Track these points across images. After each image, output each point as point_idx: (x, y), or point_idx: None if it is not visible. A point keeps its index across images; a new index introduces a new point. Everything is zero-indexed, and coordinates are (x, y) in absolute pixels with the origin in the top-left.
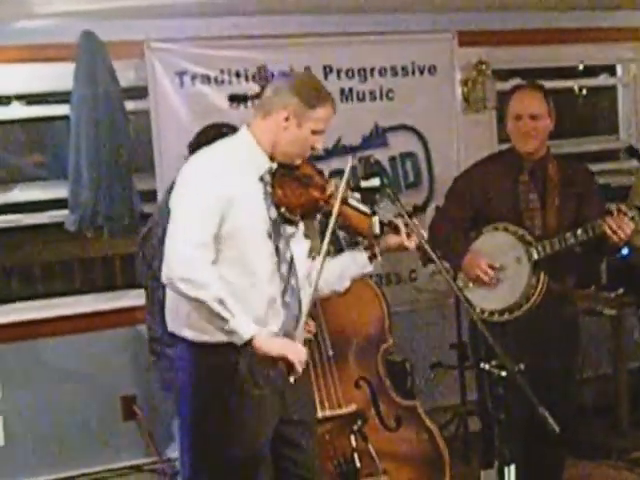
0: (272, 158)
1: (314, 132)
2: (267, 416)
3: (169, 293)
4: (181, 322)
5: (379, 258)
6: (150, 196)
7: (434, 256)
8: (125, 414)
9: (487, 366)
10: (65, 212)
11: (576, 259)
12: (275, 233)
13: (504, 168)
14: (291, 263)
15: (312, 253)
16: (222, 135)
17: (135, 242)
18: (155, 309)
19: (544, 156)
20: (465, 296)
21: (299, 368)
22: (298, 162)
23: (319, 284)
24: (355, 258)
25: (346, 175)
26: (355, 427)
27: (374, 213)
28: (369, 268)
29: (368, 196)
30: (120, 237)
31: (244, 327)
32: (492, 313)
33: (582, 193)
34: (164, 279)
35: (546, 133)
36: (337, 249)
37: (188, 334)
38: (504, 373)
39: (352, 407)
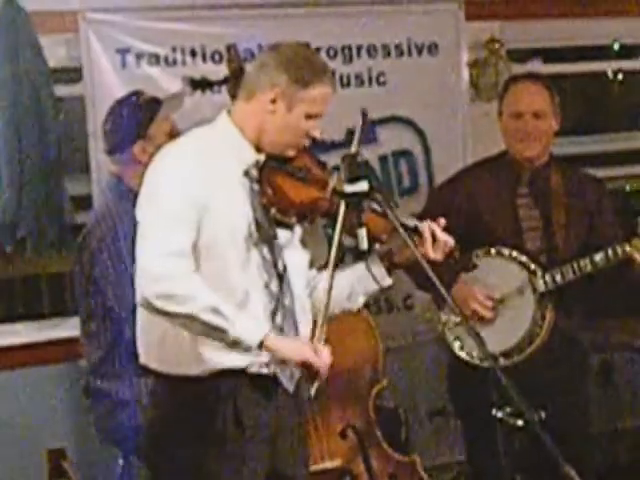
0: (259, 149)
1: (308, 116)
2: (253, 472)
3: (140, 318)
4: (152, 352)
5: (399, 268)
6: (84, 203)
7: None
8: (52, 472)
9: (500, 414)
10: None
11: (586, 287)
12: (263, 239)
13: (498, 178)
14: (283, 277)
15: (314, 265)
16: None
17: (65, 259)
18: (95, 331)
19: (546, 164)
20: (475, 330)
21: (324, 373)
22: (291, 154)
23: (319, 297)
24: (369, 270)
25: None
26: None
27: (362, 224)
28: (388, 281)
29: (353, 203)
30: (47, 253)
31: (250, 331)
32: (483, 358)
33: (593, 208)
34: (140, 301)
35: (550, 135)
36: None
37: (161, 366)
38: (521, 423)
39: (336, 462)
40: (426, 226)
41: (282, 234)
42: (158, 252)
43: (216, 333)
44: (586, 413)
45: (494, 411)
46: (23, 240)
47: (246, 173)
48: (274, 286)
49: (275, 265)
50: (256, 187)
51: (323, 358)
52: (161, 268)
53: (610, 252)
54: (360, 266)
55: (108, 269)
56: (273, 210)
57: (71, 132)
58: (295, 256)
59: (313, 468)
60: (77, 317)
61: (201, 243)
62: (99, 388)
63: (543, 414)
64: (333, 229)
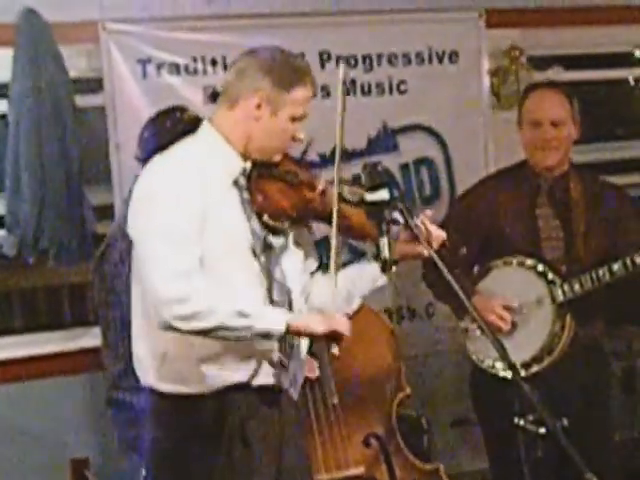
0: (245, 157)
1: (293, 119)
2: None
3: (137, 336)
4: (153, 372)
5: (394, 268)
6: (106, 213)
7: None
8: None
9: (522, 422)
10: (1, 232)
11: (607, 294)
12: (260, 248)
13: (517, 187)
14: (283, 284)
15: (309, 269)
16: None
17: (87, 270)
18: (115, 343)
19: (566, 172)
20: (497, 339)
21: (349, 334)
22: (277, 158)
23: (324, 306)
24: (363, 271)
25: (338, 142)
26: None
27: (384, 233)
28: (382, 281)
29: (375, 212)
30: (68, 264)
31: (274, 320)
32: (504, 368)
33: (614, 216)
34: (161, 327)
35: (569, 144)
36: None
37: (163, 386)
38: (543, 431)
39: (360, 469)
40: (419, 222)
41: (277, 241)
42: (169, 275)
43: (246, 333)
44: (608, 420)
45: (516, 419)
46: (45, 251)
47: (235, 182)
48: (276, 294)
49: (274, 272)
50: (246, 195)
51: (343, 321)
52: (176, 291)
53: (628, 261)
54: (353, 268)
55: (129, 281)
56: (265, 216)
57: (92, 142)
58: (291, 262)
59: (337, 475)
60: (99, 327)
61: (202, 256)
62: (121, 399)
63: (565, 422)
64: (337, 235)
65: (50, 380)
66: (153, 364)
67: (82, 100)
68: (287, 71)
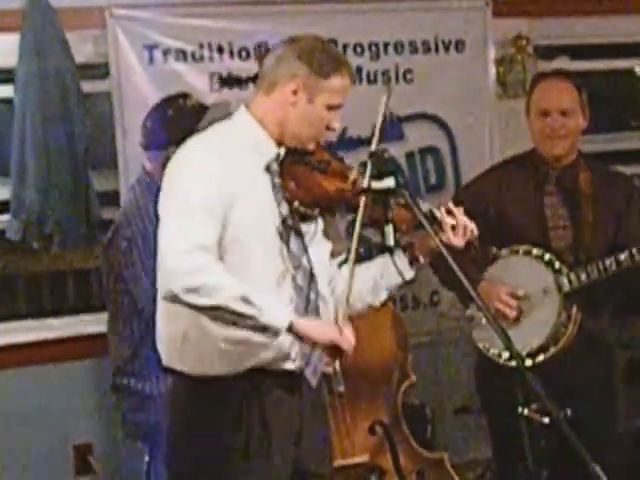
0: (280, 143)
1: (329, 107)
2: (278, 470)
3: (160, 318)
4: (175, 351)
5: (422, 261)
6: (111, 198)
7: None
8: (78, 467)
9: (526, 411)
10: (6, 217)
11: (613, 287)
12: (287, 234)
13: (525, 176)
14: (309, 271)
15: (334, 256)
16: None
17: (92, 256)
18: (122, 329)
19: (574, 162)
20: (503, 329)
21: (350, 350)
22: (311, 147)
23: (343, 298)
24: (390, 264)
25: (377, 132)
26: None
27: (389, 221)
28: (410, 274)
29: (380, 200)
30: (74, 249)
31: (278, 316)
32: (510, 357)
33: (622, 206)
34: (165, 297)
35: (578, 133)
36: (366, 253)
37: (184, 366)
38: (547, 420)
39: (365, 457)
40: (444, 211)
41: (306, 228)
42: (183, 247)
43: (246, 321)
44: (612, 411)
45: (520, 408)
46: (50, 236)
47: (267, 168)
48: (299, 279)
49: (300, 258)
50: (278, 181)
51: (347, 338)
52: (187, 263)
53: (635, 251)
54: (382, 260)
55: (138, 270)
56: (296, 203)
57: (98, 128)
58: (318, 251)
59: (342, 463)
60: (104, 313)
61: (227, 238)
62: (126, 385)
63: (569, 411)
64: (354, 223)
65: (54, 365)
66: (175, 345)
67: (88, 86)
68: (325, 59)
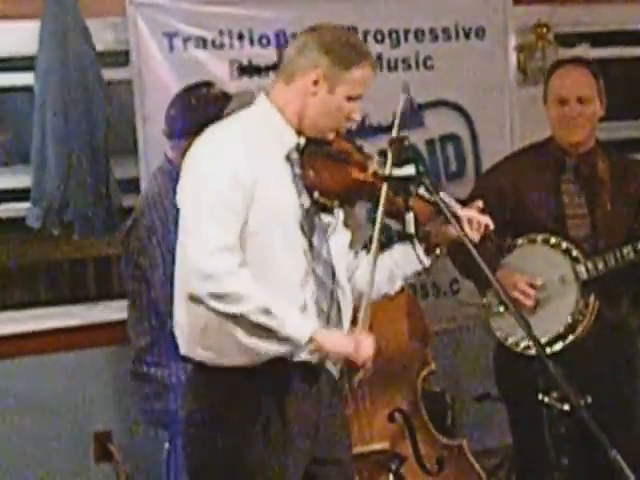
0: (299, 132)
1: (349, 98)
2: (295, 461)
3: (178, 306)
4: (195, 342)
5: (437, 251)
6: (132, 186)
7: (483, 265)
8: (98, 454)
9: (547, 399)
10: (27, 205)
11: (632, 276)
12: (308, 225)
13: (542, 164)
14: (329, 262)
15: (354, 247)
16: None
17: (112, 243)
18: (140, 317)
19: (591, 150)
20: (523, 316)
21: (367, 365)
22: (331, 137)
23: (365, 287)
24: (408, 252)
25: (395, 131)
26: (392, 468)
27: (409, 208)
28: (426, 262)
29: (400, 187)
30: (94, 236)
31: (299, 328)
32: (528, 346)
33: (639, 196)
34: (190, 298)
35: (595, 120)
36: (386, 241)
37: (204, 356)
38: (567, 407)
39: (385, 444)
40: (460, 208)
41: (326, 219)
42: (208, 248)
43: (266, 332)
44: (634, 399)
45: (540, 396)
46: (70, 223)
47: (287, 157)
48: (320, 271)
49: (321, 250)
50: (298, 171)
51: (364, 351)
52: (212, 266)
53: None
54: (398, 249)
55: (157, 259)
56: (316, 193)
57: (119, 115)
58: (338, 241)
59: (362, 449)
60: (124, 300)
61: (248, 229)
62: (145, 372)
63: (589, 399)
64: (375, 213)
65: (74, 353)
66: (194, 334)
67: (109, 73)
68: (347, 50)
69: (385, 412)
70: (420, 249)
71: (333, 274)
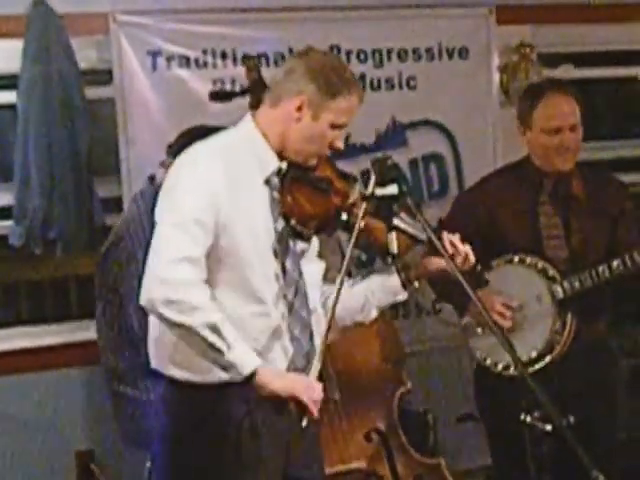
0: (282, 156)
1: (333, 126)
2: (268, 477)
3: (153, 321)
4: (166, 357)
5: (416, 284)
6: (114, 205)
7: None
8: (80, 473)
9: (529, 418)
10: (9, 223)
11: (610, 294)
12: (282, 249)
13: (519, 185)
14: (299, 288)
15: (328, 275)
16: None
17: (94, 261)
18: (120, 342)
19: (569, 170)
20: (506, 337)
21: (314, 410)
22: (313, 162)
23: (338, 312)
24: (384, 283)
25: (372, 179)
26: None
27: (393, 228)
28: (401, 296)
29: (383, 207)
30: (76, 255)
31: (244, 359)
32: (507, 367)
33: (616, 212)
34: (143, 302)
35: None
36: (366, 272)
37: (174, 372)
38: (549, 427)
39: (362, 463)
40: (446, 238)
41: (300, 245)
42: (170, 256)
43: (211, 352)
44: (615, 418)
45: (522, 415)
46: (53, 242)
47: (267, 181)
48: (290, 296)
49: (292, 275)
50: (276, 195)
51: (314, 394)
52: (170, 273)
53: (628, 258)
54: (375, 279)
55: (134, 288)
56: (293, 221)
57: (101, 134)
58: (311, 268)
59: (339, 469)
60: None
61: (222, 249)
62: (123, 393)
63: (572, 419)
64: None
65: (56, 372)
66: (166, 350)
67: (92, 92)
68: (334, 78)
69: (362, 432)
70: (394, 279)
71: (304, 299)
